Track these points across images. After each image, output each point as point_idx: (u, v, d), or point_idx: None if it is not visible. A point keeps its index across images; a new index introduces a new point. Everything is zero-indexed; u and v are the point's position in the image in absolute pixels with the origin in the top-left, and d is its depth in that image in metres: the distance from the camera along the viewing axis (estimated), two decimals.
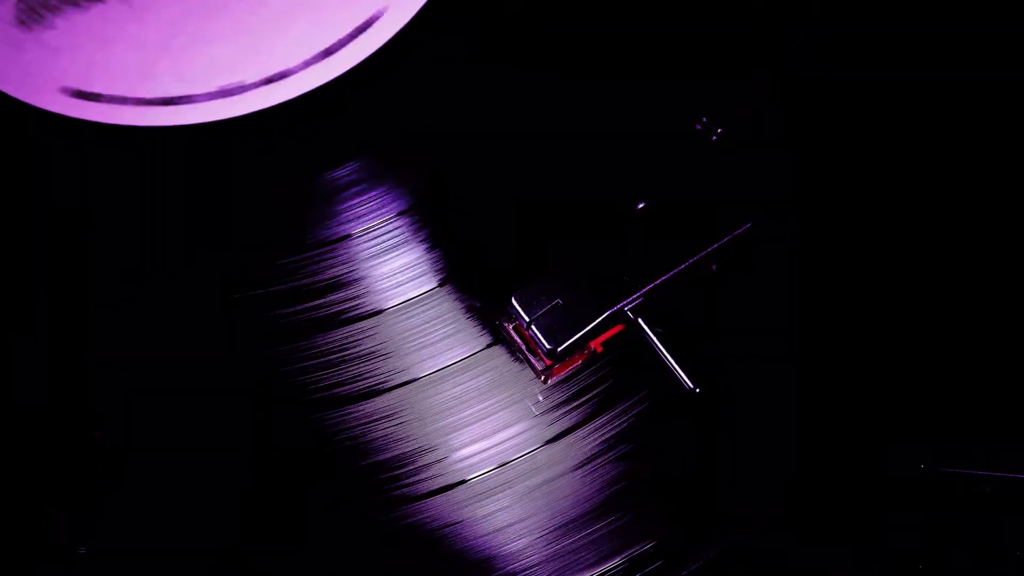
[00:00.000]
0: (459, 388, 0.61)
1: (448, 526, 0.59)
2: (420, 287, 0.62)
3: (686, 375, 0.58)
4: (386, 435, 0.60)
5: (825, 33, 0.67)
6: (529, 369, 0.60)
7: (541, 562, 0.58)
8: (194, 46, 0.66)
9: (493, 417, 0.60)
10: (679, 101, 0.64)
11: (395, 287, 0.62)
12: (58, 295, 0.63)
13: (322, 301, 0.62)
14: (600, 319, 0.59)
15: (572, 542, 0.58)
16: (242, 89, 0.65)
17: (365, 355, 0.61)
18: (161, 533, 0.59)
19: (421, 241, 0.63)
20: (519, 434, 0.60)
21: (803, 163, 0.64)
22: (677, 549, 0.58)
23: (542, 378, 0.60)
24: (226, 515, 0.59)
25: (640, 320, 0.59)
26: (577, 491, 0.59)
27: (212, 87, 0.65)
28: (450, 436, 0.60)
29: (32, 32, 0.65)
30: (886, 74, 0.66)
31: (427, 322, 0.62)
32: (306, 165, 0.65)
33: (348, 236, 0.63)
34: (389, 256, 0.63)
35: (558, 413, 0.60)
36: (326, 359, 0.61)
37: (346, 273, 0.62)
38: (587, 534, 0.58)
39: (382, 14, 0.67)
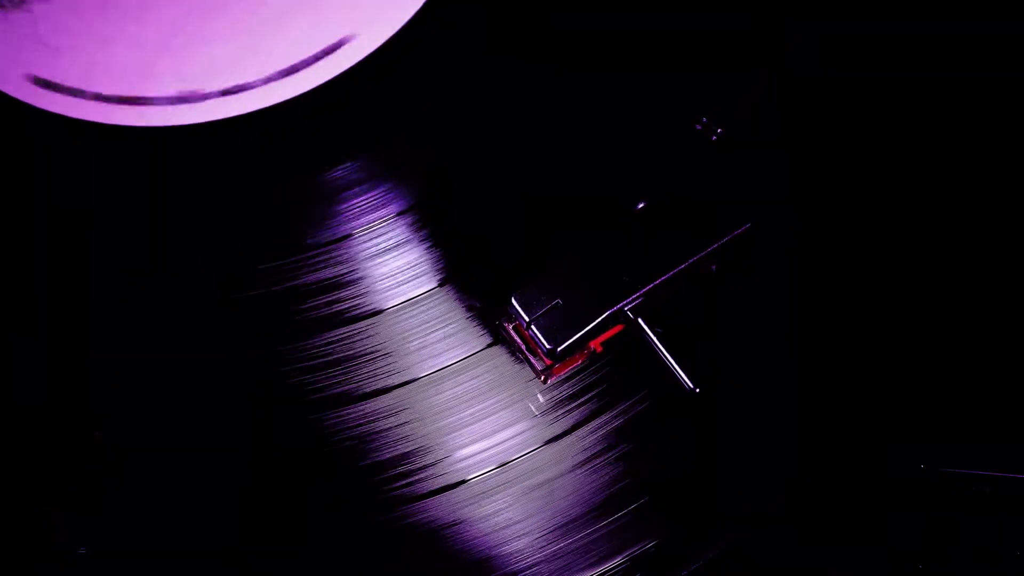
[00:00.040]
0: (459, 388, 0.61)
1: (448, 526, 0.59)
2: (420, 287, 0.62)
3: (686, 375, 0.58)
4: (386, 435, 0.60)
5: (823, 33, 0.67)
6: (529, 369, 0.60)
7: (541, 562, 0.58)
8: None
9: (493, 417, 0.60)
10: (678, 100, 0.64)
11: (395, 287, 0.62)
12: (58, 295, 0.63)
13: (322, 301, 0.62)
14: (600, 319, 0.59)
15: (572, 542, 0.58)
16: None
17: (365, 355, 0.61)
18: (161, 533, 0.59)
19: (422, 240, 0.63)
20: (519, 434, 0.60)
21: (802, 163, 0.64)
22: (677, 549, 0.58)
23: (542, 378, 0.60)
24: (226, 515, 0.59)
25: (640, 320, 0.59)
26: (577, 491, 0.59)
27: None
28: (450, 436, 0.60)
29: (9, 16, 0.65)
30: (884, 74, 0.66)
31: (427, 322, 0.62)
32: (306, 164, 0.65)
33: (348, 236, 0.63)
34: (389, 256, 0.63)
35: (558, 413, 0.60)
36: (326, 359, 0.61)
37: (346, 273, 0.62)
38: (587, 534, 0.58)
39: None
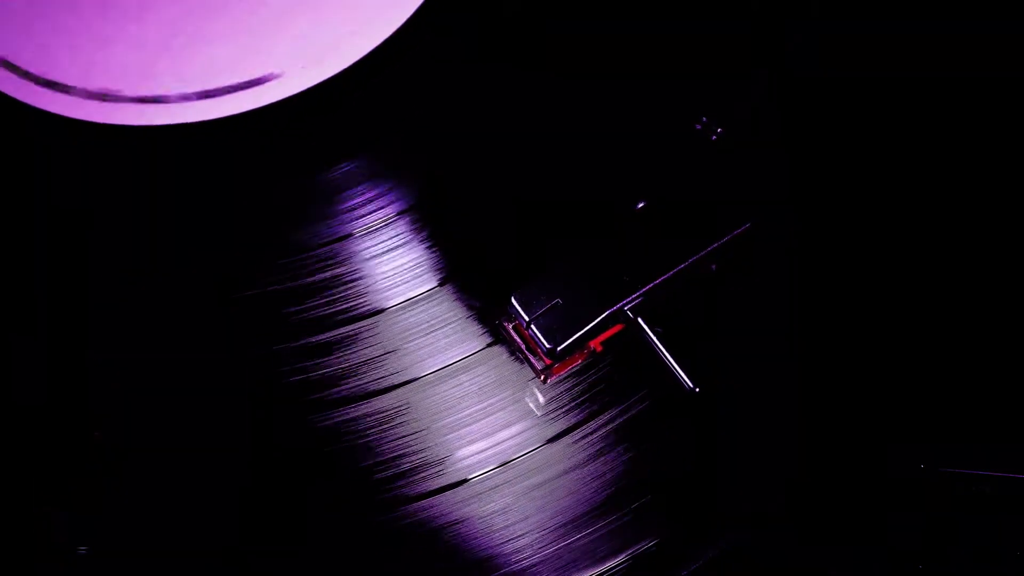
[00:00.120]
0: (459, 388, 0.61)
1: (448, 526, 0.59)
2: (420, 287, 0.62)
3: (686, 375, 0.58)
4: (386, 435, 0.60)
5: (823, 33, 0.67)
6: (529, 368, 0.60)
7: (541, 562, 0.58)
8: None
9: (493, 416, 0.60)
10: (678, 101, 0.64)
11: (395, 287, 0.62)
12: (58, 295, 0.63)
13: (322, 301, 0.62)
14: (600, 319, 0.59)
15: (572, 542, 0.58)
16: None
17: (365, 355, 0.61)
18: (161, 533, 0.59)
19: (421, 241, 0.63)
20: (519, 433, 0.60)
21: (802, 163, 0.64)
22: (677, 549, 0.58)
23: (542, 377, 0.60)
24: (226, 515, 0.59)
25: (640, 320, 0.59)
26: (577, 491, 0.59)
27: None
28: (450, 436, 0.60)
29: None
30: (884, 74, 0.66)
31: (427, 322, 0.62)
32: (306, 164, 0.65)
33: (348, 236, 0.63)
34: (389, 256, 0.63)
35: (558, 413, 0.60)
36: (326, 359, 0.61)
37: (346, 273, 0.62)
38: (587, 534, 0.58)
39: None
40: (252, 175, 0.65)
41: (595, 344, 0.60)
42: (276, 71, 0.65)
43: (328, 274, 0.62)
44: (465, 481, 0.59)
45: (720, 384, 0.59)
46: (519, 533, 0.58)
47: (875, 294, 0.62)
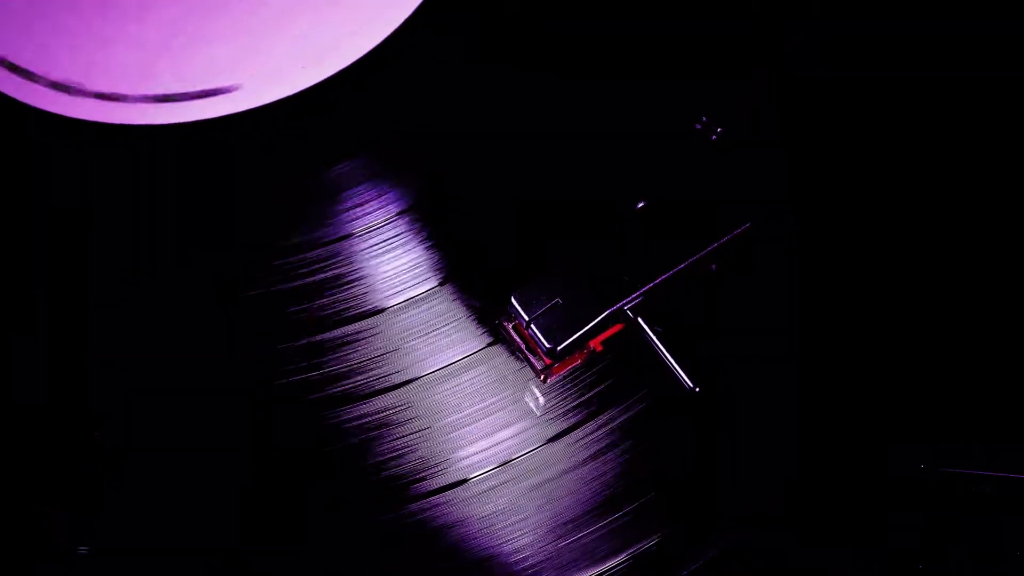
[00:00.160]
0: (459, 387, 0.61)
1: (448, 526, 0.59)
2: (420, 287, 0.62)
3: (686, 375, 0.58)
4: (386, 435, 0.60)
5: (823, 33, 0.67)
6: (529, 368, 0.60)
7: (542, 561, 0.58)
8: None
9: (493, 416, 0.60)
10: (678, 101, 0.64)
11: (395, 287, 0.62)
12: (58, 295, 0.63)
13: (322, 301, 0.62)
14: (600, 318, 0.59)
15: (572, 542, 0.58)
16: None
17: (365, 354, 0.61)
18: (161, 533, 0.59)
19: (421, 241, 0.63)
20: (519, 433, 0.60)
21: (802, 163, 0.64)
22: (677, 549, 0.58)
23: (542, 377, 0.60)
24: (226, 515, 0.59)
25: (640, 319, 0.59)
26: (577, 491, 0.59)
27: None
28: (450, 435, 0.60)
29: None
30: (884, 74, 0.66)
31: (427, 321, 0.62)
32: (306, 164, 0.65)
33: (348, 236, 0.63)
34: (389, 256, 0.63)
35: (558, 412, 0.60)
36: (326, 358, 0.61)
37: (346, 273, 0.62)
38: (587, 534, 0.58)
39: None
40: (252, 175, 0.65)
41: (595, 344, 0.60)
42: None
43: (329, 274, 0.62)
44: (465, 481, 0.59)
45: (720, 384, 0.59)
46: (519, 533, 0.58)
47: (875, 294, 0.62)
